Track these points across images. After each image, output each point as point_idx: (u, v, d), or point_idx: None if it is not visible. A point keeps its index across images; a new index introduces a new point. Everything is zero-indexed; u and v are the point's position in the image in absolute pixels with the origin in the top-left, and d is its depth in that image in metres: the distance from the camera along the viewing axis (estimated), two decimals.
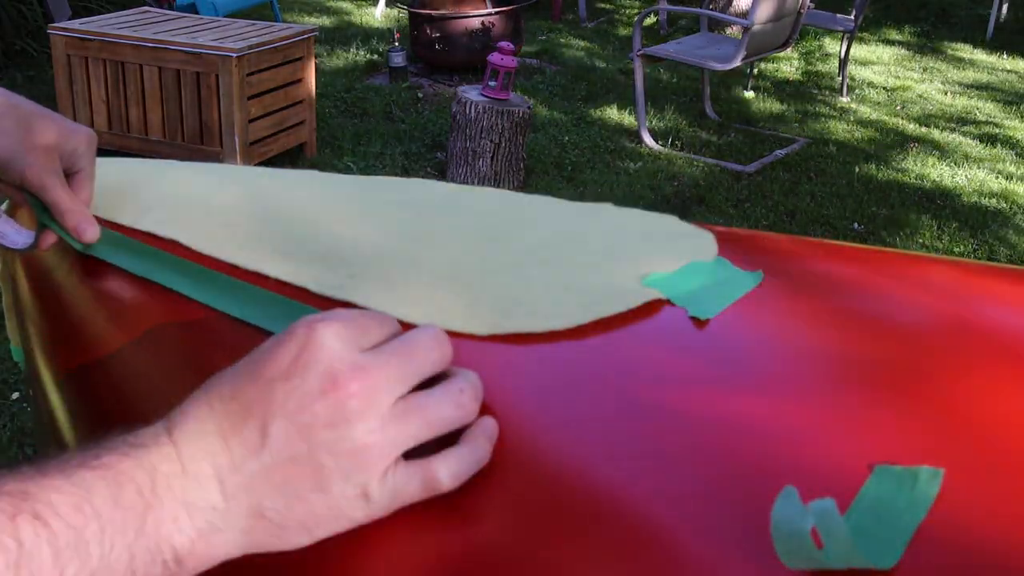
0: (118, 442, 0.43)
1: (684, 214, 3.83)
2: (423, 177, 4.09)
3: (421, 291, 0.63)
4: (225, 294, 0.64)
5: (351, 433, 0.43)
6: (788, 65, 6.72)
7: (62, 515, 0.39)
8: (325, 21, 7.08)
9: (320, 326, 0.45)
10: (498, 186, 3.93)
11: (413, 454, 0.45)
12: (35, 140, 0.67)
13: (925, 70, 6.95)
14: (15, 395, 2.53)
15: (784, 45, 5.08)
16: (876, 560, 0.40)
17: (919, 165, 4.85)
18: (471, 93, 3.96)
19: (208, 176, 0.83)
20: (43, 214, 0.70)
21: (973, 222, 4.18)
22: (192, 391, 0.47)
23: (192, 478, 0.42)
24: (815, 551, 0.38)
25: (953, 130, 5.49)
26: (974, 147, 5.20)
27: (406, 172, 4.26)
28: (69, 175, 0.70)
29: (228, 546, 0.43)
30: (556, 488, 0.46)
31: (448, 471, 0.45)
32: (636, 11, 8.09)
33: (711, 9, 6.12)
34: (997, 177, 4.77)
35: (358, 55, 6.04)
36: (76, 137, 0.70)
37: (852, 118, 5.58)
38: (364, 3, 7.72)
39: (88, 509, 0.39)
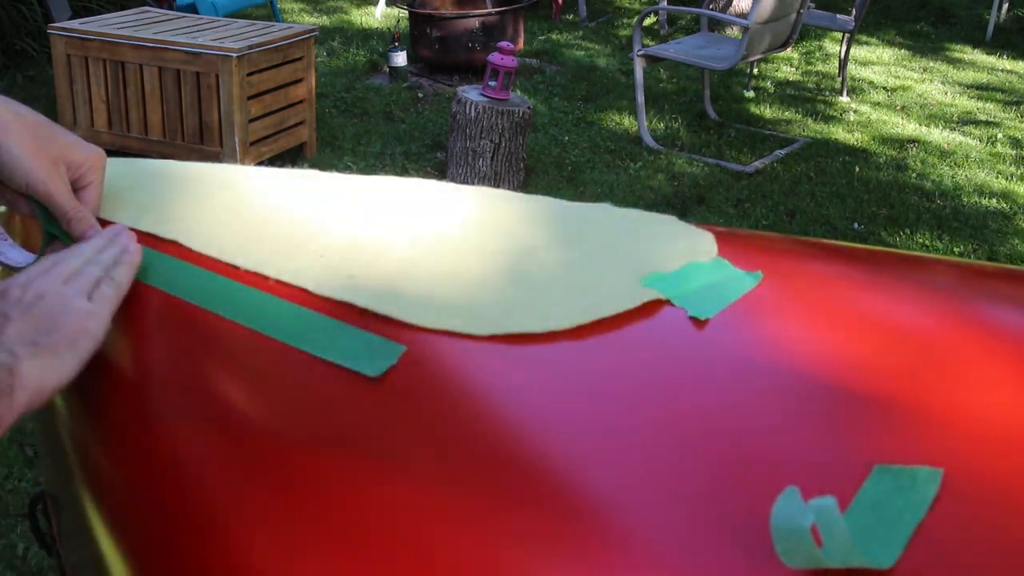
0: None
1: (684, 214, 3.82)
2: (423, 177, 4.09)
3: (421, 291, 0.63)
4: (228, 299, 0.64)
5: (49, 290, 0.63)
6: (788, 65, 6.72)
7: None
8: (325, 21, 7.08)
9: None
10: (498, 186, 3.93)
11: None
12: (42, 148, 0.68)
13: (925, 70, 6.95)
14: None
15: (784, 45, 5.08)
16: (875, 559, 0.40)
17: (919, 165, 4.85)
18: (471, 93, 3.96)
19: (208, 176, 0.83)
20: (49, 223, 0.70)
21: (973, 222, 4.18)
22: (191, 392, 0.48)
23: None
24: (815, 549, 0.38)
25: (953, 130, 5.49)
26: (974, 147, 5.20)
27: (406, 172, 4.26)
28: (77, 189, 0.71)
29: (32, 371, 0.57)
30: (556, 487, 0.46)
31: (120, 273, 0.66)
32: (636, 11, 8.09)
33: (711, 9, 6.12)
34: (997, 177, 4.77)
35: (358, 55, 6.04)
36: (85, 151, 0.71)
37: (852, 118, 5.58)
38: (364, 3, 7.72)
39: None
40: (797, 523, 0.38)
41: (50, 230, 0.70)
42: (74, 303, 0.62)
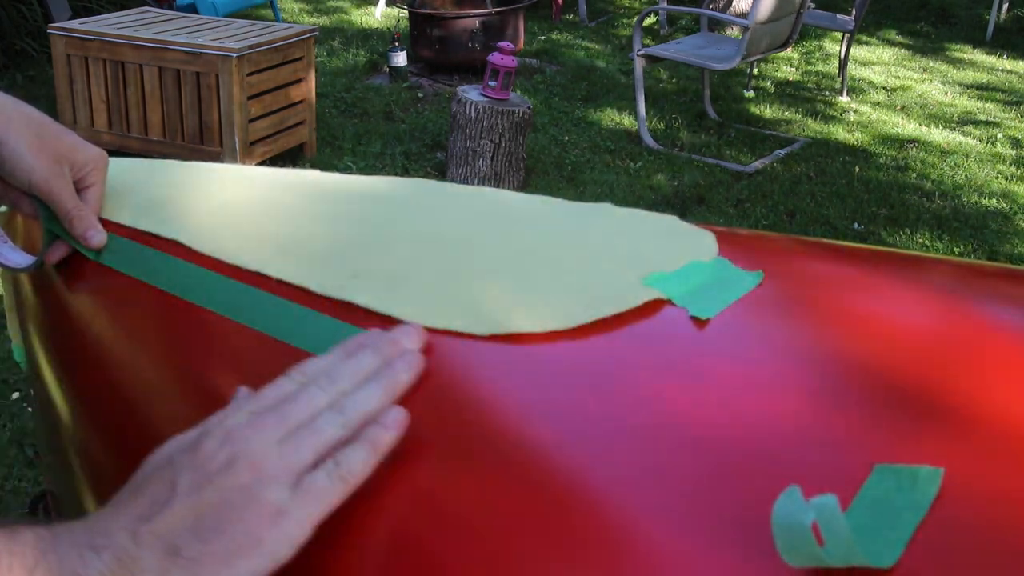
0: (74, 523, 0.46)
1: (684, 214, 3.82)
2: (423, 177, 4.09)
3: (421, 291, 0.63)
4: (229, 299, 0.64)
5: (246, 458, 0.46)
6: (788, 65, 6.72)
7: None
8: (325, 21, 7.08)
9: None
10: (498, 186, 3.93)
11: None
12: (45, 147, 0.67)
13: (925, 70, 6.95)
14: (15, 395, 2.53)
15: (784, 45, 5.08)
16: (876, 559, 0.40)
17: (919, 165, 4.85)
18: (471, 93, 3.96)
19: (208, 176, 0.83)
20: (51, 221, 0.70)
21: (973, 222, 4.18)
22: (192, 391, 0.48)
23: (100, 534, 0.44)
24: (816, 548, 0.38)
25: (953, 130, 5.49)
26: (974, 147, 5.20)
27: (406, 172, 4.26)
28: (79, 189, 0.70)
29: None
30: (556, 487, 0.46)
31: (354, 459, 0.47)
32: (636, 11, 8.09)
33: (711, 9, 6.12)
34: (997, 177, 4.77)
35: (358, 55, 6.04)
36: (88, 152, 0.70)
37: (852, 118, 5.58)
38: (364, 3, 7.72)
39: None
40: (798, 521, 0.38)
41: (51, 228, 0.70)
42: (266, 493, 0.45)
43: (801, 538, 0.38)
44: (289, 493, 0.45)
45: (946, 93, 6.33)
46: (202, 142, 3.91)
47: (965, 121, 5.70)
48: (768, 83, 6.18)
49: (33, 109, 0.69)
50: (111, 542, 0.43)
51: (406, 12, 5.94)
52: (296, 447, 0.47)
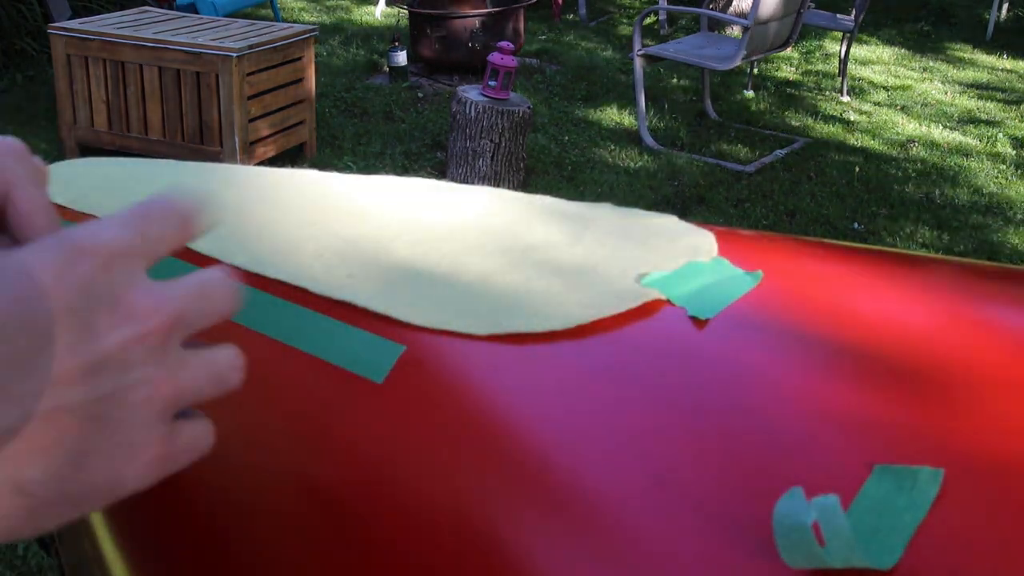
0: None
1: (684, 214, 3.82)
2: (423, 177, 4.09)
3: (421, 291, 0.63)
4: None
5: (135, 375, 0.34)
6: (788, 65, 6.72)
7: None
8: (325, 21, 7.08)
9: (100, 245, 0.34)
10: (498, 186, 3.93)
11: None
12: None
13: (925, 70, 6.95)
14: None
15: (784, 45, 5.08)
16: (876, 560, 0.40)
17: (919, 165, 4.85)
18: (471, 93, 3.96)
19: (208, 176, 0.83)
20: None
21: (973, 222, 4.18)
22: None
23: None
24: (817, 548, 0.38)
25: (953, 130, 5.49)
26: (974, 147, 5.20)
27: (406, 172, 4.26)
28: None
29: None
30: (556, 487, 0.46)
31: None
32: (636, 11, 8.09)
33: (711, 9, 6.12)
34: (997, 177, 4.76)
35: (358, 55, 6.04)
36: None
37: (852, 118, 5.58)
38: (364, 3, 7.72)
39: None
40: (799, 520, 0.38)
41: None
42: (148, 430, 0.35)
43: (802, 538, 0.38)
44: (166, 423, 0.36)
45: (946, 93, 6.33)
46: (202, 142, 3.91)
47: (965, 121, 5.70)
48: (768, 83, 6.18)
49: None
50: None
51: (406, 12, 5.94)
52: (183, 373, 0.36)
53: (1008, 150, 5.19)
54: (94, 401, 0.33)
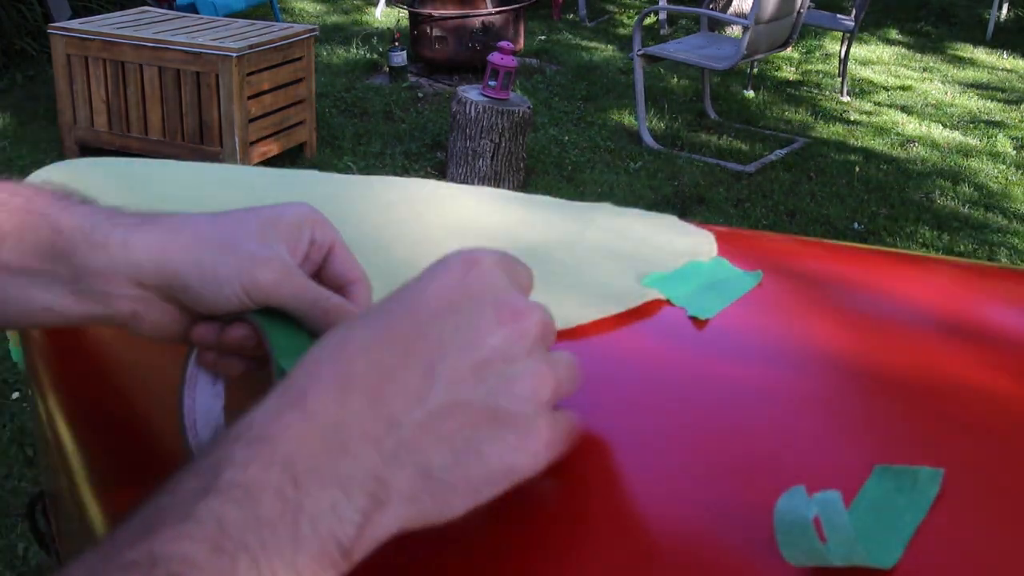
0: (228, 446, 0.35)
1: (684, 214, 3.83)
2: (423, 177, 4.09)
3: None
4: None
5: (518, 368, 0.38)
6: (788, 65, 6.72)
7: (203, 566, 0.31)
8: (325, 21, 7.08)
9: (484, 256, 0.41)
10: (498, 186, 3.93)
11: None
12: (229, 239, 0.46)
13: (925, 70, 6.95)
14: (15, 395, 2.53)
15: (784, 45, 5.08)
16: (876, 559, 0.40)
17: (919, 165, 4.85)
18: (471, 93, 3.96)
19: (208, 176, 0.83)
20: (286, 337, 0.47)
21: (973, 222, 4.18)
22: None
23: (339, 450, 0.34)
24: (818, 545, 0.38)
25: (953, 130, 5.49)
26: (974, 146, 5.20)
27: (406, 172, 4.26)
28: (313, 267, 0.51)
29: (392, 522, 0.35)
30: (556, 487, 0.46)
31: (566, 419, 0.41)
32: (636, 11, 8.09)
33: (711, 9, 6.12)
34: (997, 177, 4.77)
35: (358, 55, 6.04)
36: (293, 210, 0.51)
37: (852, 118, 5.58)
38: (364, 3, 7.72)
39: (229, 545, 0.32)
40: (801, 516, 0.38)
41: (287, 347, 0.46)
42: (537, 418, 0.38)
43: (803, 534, 0.38)
44: (550, 430, 0.39)
45: (946, 93, 6.33)
46: (202, 142, 3.91)
47: (965, 121, 5.70)
48: (768, 83, 6.18)
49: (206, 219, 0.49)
50: (359, 470, 0.34)
51: (406, 12, 5.94)
52: (544, 382, 0.39)
53: (1008, 150, 5.19)
54: (486, 394, 0.37)
